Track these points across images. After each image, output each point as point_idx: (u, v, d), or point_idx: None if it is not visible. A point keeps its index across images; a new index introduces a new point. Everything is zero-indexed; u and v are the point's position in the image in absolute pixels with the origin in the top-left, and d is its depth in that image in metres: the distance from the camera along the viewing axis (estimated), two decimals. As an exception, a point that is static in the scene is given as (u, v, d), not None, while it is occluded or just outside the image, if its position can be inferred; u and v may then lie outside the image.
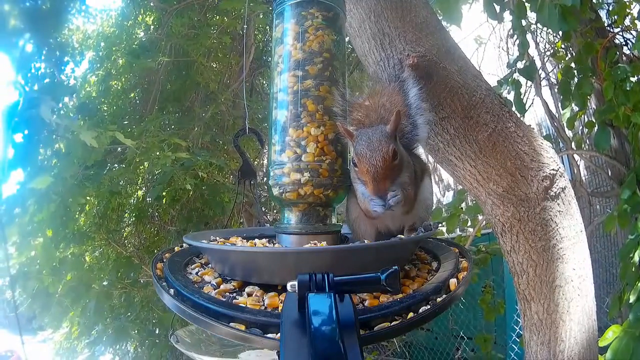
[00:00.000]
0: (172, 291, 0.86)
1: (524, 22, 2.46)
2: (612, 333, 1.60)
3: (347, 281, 0.68)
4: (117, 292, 3.88)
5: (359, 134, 1.01)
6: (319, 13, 1.11)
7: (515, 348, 3.44)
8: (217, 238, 1.13)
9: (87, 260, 4.06)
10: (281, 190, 1.06)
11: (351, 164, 1.04)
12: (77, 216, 3.75)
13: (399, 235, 1.05)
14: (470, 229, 3.32)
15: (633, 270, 1.96)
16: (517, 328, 3.47)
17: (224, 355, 1.71)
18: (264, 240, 1.14)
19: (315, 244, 0.99)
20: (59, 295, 3.68)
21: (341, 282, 0.68)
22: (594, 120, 2.62)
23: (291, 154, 1.06)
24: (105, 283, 3.88)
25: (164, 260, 1.03)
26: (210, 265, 1.03)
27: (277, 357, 1.19)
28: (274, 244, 1.11)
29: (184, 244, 1.13)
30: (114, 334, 3.96)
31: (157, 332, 4.03)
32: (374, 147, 0.96)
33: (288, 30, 1.12)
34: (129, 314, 3.98)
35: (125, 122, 4.23)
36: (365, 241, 1.07)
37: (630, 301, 1.82)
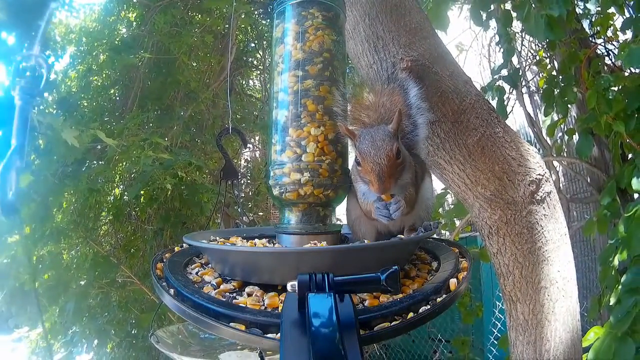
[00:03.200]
0: (172, 291, 0.86)
1: (508, 30, 2.50)
2: (594, 334, 1.64)
3: (347, 281, 0.68)
4: (94, 291, 3.81)
5: (362, 133, 1.02)
6: (319, 13, 1.12)
7: (494, 350, 3.50)
8: (217, 238, 1.12)
9: (64, 259, 3.97)
10: (281, 190, 1.06)
11: (354, 163, 1.04)
12: (54, 213, 3.66)
13: (399, 235, 1.06)
14: (448, 233, 3.36)
15: (612, 273, 2.01)
16: (494, 330, 3.53)
17: (204, 356, 1.69)
18: (264, 240, 1.13)
19: (315, 244, 0.99)
20: (36, 294, 3.59)
21: (341, 282, 0.68)
22: (575, 128, 2.69)
23: (291, 154, 1.06)
24: (82, 282, 3.80)
25: (164, 260, 1.02)
26: (210, 265, 1.03)
27: (258, 358, 1.19)
28: (274, 244, 1.11)
29: (184, 244, 1.12)
30: (91, 334, 3.89)
31: (134, 332, 3.97)
32: (377, 145, 0.96)
33: (288, 30, 1.13)
34: (107, 314, 3.91)
35: (106, 119, 4.16)
36: (365, 241, 1.08)
37: (611, 303, 1.87)
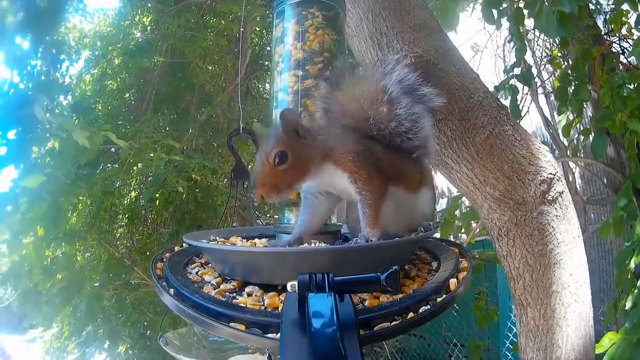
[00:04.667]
0: (172, 291, 0.85)
1: (521, 29, 2.46)
2: (609, 340, 1.59)
3: (347, 281, 0.68)
4: (108, 293, 3.85)
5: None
6: (319, 12, 1.12)
7: (509, 355, 3.45)
8: (217, 238, 1.12)
9: (78, 261, 4.03)
10: (281, 190, 1.05)
11: None
12: (69, 215, 3.72)
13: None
14: (464, 236, 3.32)
15: (629, 277, 1.96)
16: (510, 335, 3.47)
17: (213, 358, 1.69)
18: (263, 240, 1.13)
19: (314, 243, 0.98)
20: (50, 295, 3.65)
21: (341, 282, 0.68)
22: (590, 128, 2.64)
23: (291, 153, 1.04)
24: (96, 284, 3.85)
25: (164, 260, 1.02)
26: (210, 265, 1.02)
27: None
28: (272, 244, 1.10)
29: (184, 244, 1.12)
30: (104, 335, 3.94)
31: (148, 334, 4.01)
32: (262, 150, 0.93)
33: (288, 29, 1.13)
34: (120, 315, 3.95)
35: (120, 122, 4.22)
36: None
37: (626, 308, 1.83)
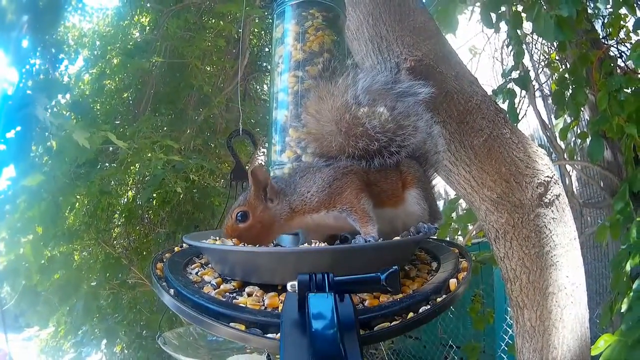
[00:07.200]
0: (172, 291, 0.85)
1: (519, 32, 2.48)
2: (604, 342, 1.61)
3: (347, 281, 0.68)
4: (105, 292, 3.85)
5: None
6: (319, 13, 1.12)
7: (504, 357, 3.45)
8: (217, 238, 1.12)
9: (75, 260, 4.02)
10: (281, 191, 1.05)
11: None
12: (66, 214, 3.71)
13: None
14: (461, 238, 3.33)
15: (624, 280, 1.98)
16: (506, 337, 3.48)
17: (212, 358, 1.69)
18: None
19: (315, 243, 0.98)
20: (47, 294, 3.64)
21: (341, 282, 0.67)
22: (587, 131, 2.66)
23: (291, 154, 1.06)
24: (93, 283, 3.84)
25: (164, 260, 1.02)
26: (210, 265, 1.02)
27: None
28: (273, 243, 1.10)
29: (184, 244, 1.11)
30: (101, 334, 3.93)
31: (144, 334, 4.00)
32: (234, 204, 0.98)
33: (288, 30, 1.13)
34: (117, 315, 3.94)
35: (118, 122, 4.21)
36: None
37: (622, 310, 1.84)
